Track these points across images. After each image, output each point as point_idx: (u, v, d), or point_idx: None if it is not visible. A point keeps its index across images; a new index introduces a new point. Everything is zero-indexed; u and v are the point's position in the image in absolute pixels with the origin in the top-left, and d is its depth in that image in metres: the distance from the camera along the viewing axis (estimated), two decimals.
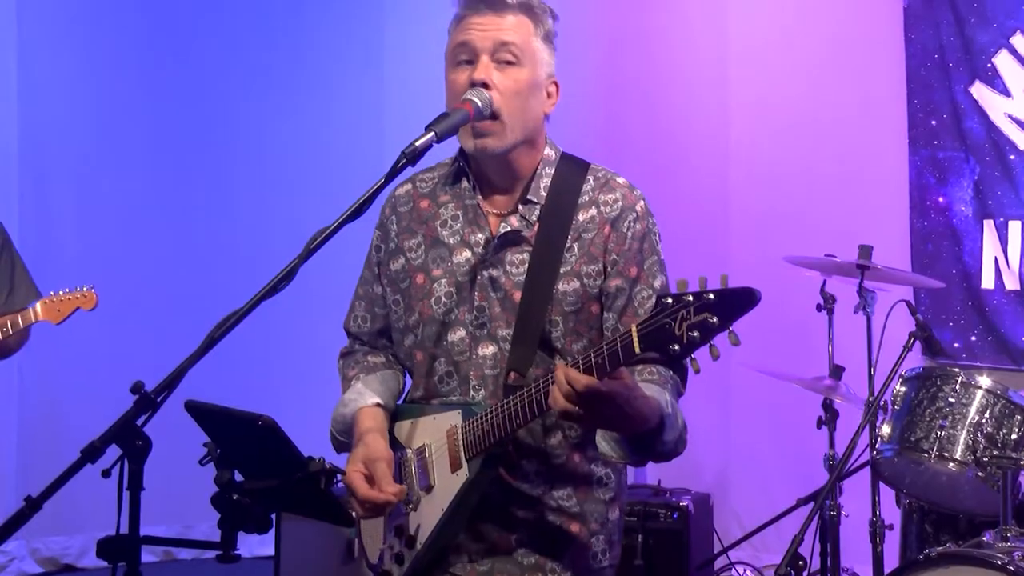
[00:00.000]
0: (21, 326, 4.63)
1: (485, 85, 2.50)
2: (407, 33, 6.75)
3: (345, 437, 2.71)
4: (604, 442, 2.47)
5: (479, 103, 2.47)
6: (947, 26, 5.37)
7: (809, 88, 5.77)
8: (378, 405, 2.67)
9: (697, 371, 2.19)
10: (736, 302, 2.07)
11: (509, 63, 2.52)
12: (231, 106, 6.70)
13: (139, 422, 2.09)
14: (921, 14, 5.44)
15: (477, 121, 2.50)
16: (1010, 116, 5.23)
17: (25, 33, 6.33)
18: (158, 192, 6.58)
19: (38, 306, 4.65)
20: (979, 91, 5.29)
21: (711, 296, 2.08)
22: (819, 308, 4.88)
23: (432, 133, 2.37)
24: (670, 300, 2.12)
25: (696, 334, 2.09)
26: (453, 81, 2.57)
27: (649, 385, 2.42)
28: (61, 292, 4.70)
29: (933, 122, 5.42)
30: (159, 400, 2.09)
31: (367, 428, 2.61)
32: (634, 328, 2.16)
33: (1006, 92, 5.24)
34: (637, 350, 2.16)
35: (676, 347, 2.11)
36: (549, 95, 2.61)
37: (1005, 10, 5.24)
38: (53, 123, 6.40)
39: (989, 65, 5.27)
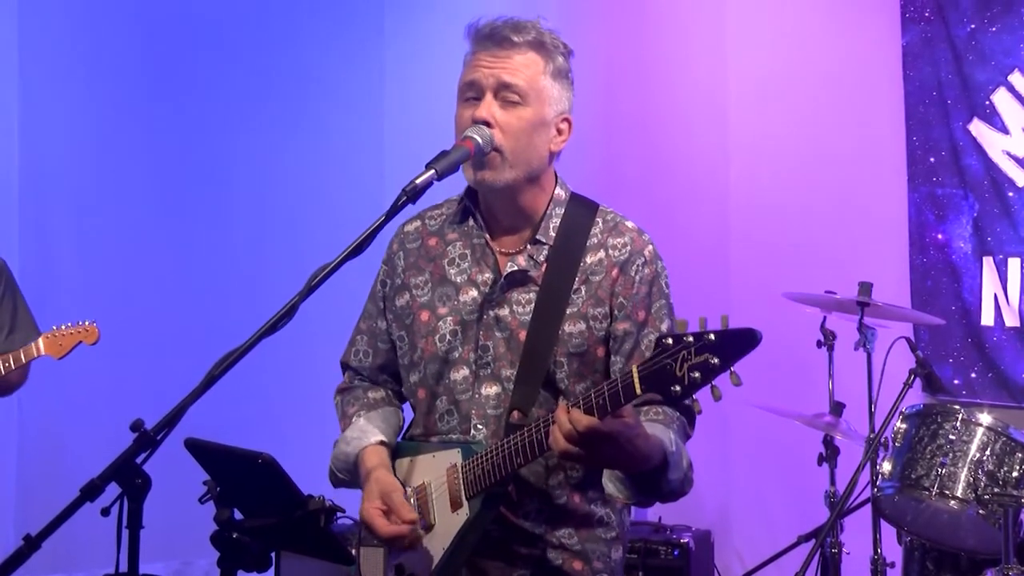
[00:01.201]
0: (24, 361, 4.63)
1: (487, 123, 2.51)
2: (408, 71, 6.78)
3: (345, 475, 2.70)
4: (610, 483, 2.47)
5: (479, 140, 2.48)
6: (945, 64, 5.39)
7: (808, 125, 5.79)
8: (382, 443, 2.67)
9: (699, 412, 2.19)
10: (737, 343, 2.07)
11: (513, 103, 2.53)
12: (232, 142, 6.71)
13: (139, 460, 2.09)
14: (920, 52, 5.46)
15: (477, 158, 2.51)
16: (1008, 153, 5.24)
17: (26, 67, 6.34)
18: (158, 228, 6.59)
19: (40, 341, 4.66)
20: (977, 128, 5.31)
21: (712, 337, 2.08)
22: (819, 345, 4.88)
23: (432, 171, 2.38)
24: (670, 341, 2.12)
25: (697, 375, 2.09)
26: (459, 116, 2.58)
27: (653, 424, 2.41)
28: (63, 326, 4.70)
29: (932, 159, 5.43)
30: (159, 438, 2.09)
31: (374, 465, 2.61)
32: (635, 369, 2.16)
33: (1004, 129, 5.26)
34: (638, 391, 2.16)
35: (677, 388, 2.11)
36: (560, 132, 2.61)
37: (1003, 48, 5.26)
38: (53, 158, 6.41)
39: (987, 103, 5.29)
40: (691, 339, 2.10)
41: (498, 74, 2.52)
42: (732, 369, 2.09)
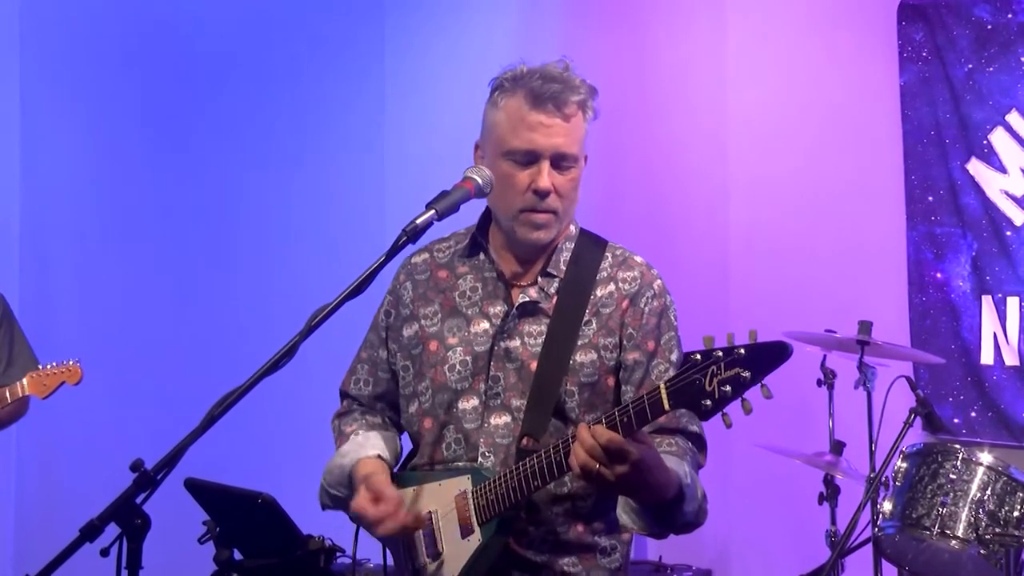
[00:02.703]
0: (8, 400, 4.60)
1: (547, 193, 2.54)
2: (408, 110, 6.80)
3: (338, 490, 2.69)
4: (624, 513, 2.48)
5: (480, 181, 2.51)
6: (943, 103, 5.41)
7: (807, 164, 5.80)
8: (380, 457, 2.67)
9: (729, 425, 2.18)
10: (767, 356, 2.09)
11: (567, 167, 2.58)
12: (232, 179, 6.71)
13: (138, 500, 2.08)
14: (918, 91, 5.48)
15: (532, 211, 2.55)
16: (1006, 192, 5.26)
17: (28, 108, 6.37)
18: (159, 269, 6.59)
19: (25, 380, 4.63)
20: (975, 167, 5.33)
21: (742, 351, 2.10)
22: (819, 383, 4.88)
23: (433, 211, 2.39)
24: (699, 356, 2.13)
25: (728, 389, 2.10)
26: (510, 175, 2.58)
27: (668, 456, 2.42)
28: (49, 366, 4.67)
29: (930, 198, 5.45)
30: (159, 478, 2.09)
31: (369, 472, 2.61)
32: (663, 385, 2.18)
33: (1002, 169, 5.28)
34: (666, 407, 2.17)
35: (708, 402, 2.12)
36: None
37: (1000, 88, 5.29)
38: (55, 199, 6.43)
39: (985, 142, 5.31)
40: (720, 354, 2.11)
41: (557, 144, 2.55)
42: (763, 382, 2.10)
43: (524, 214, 2.57)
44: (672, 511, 2.40)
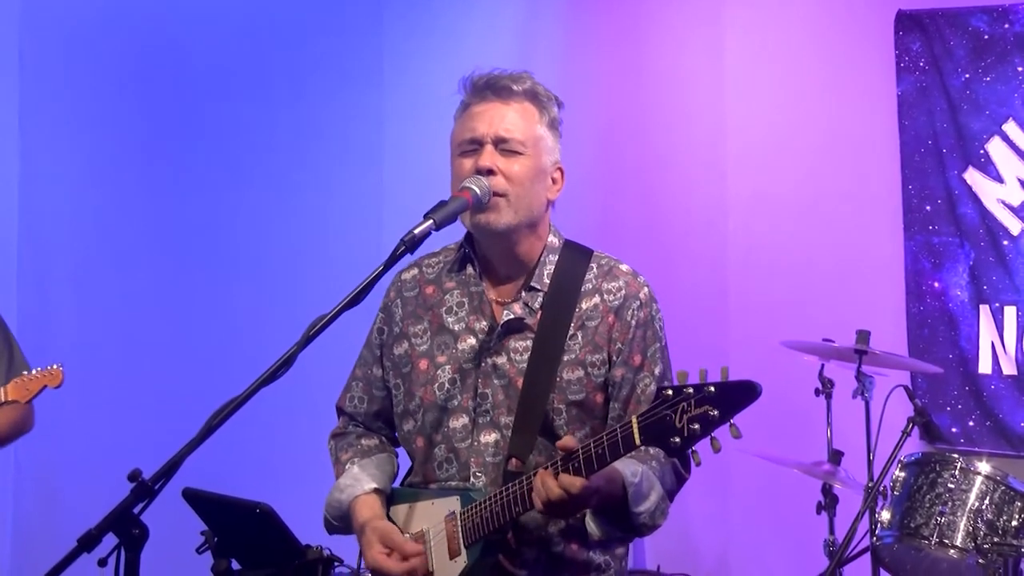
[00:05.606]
0: None
1: (490, 171, 2.53)
2: (407, 123, 6.80)
3: (339, 523, 2.71)
4: (589, 520, 2.48)
5: (477, 191, 2.50)
6: (940, 113, 5.42)
7: (805, 174, 5.81)
8: (375, 491, 2.67)
9: (698, 463, 2.19)
10: (736, 396, 2.08)
11: (513, 152, 2.56)
12: (231, 193, 6.71)
13: (136, 510, 2.08)
14: (915, 101, 5.49)
15: (476, 204, 2.53)
16: (1003, 202, 5.27)
17: (26, 127, 6.37)
18: (157, 280, 6.58)
19: (8, 386, 4.64)
20: (972, 177, 5.34)
21: (711, 389, 2.09)
22: (817, 393, 4.88)
23: (431, 221, 2.40)
24: (670, 392, 2.13)
25: (697, 427, 2.10)
26: (459, 166, 2.60)
27: (625, 460, 2.43)
28: (35, 371, 4.68)
29: (928, 207, 5.45)
30: (156, 488, 2.09)
31: (367, 518, 2.61)
32: (635, 420, 2.18)
33: (999, 178, 5.28)
34: (637, 442, 2.18)
35: (676, 439, 2.12)
36: (554, 181, 2.65)
37: (997, 98, 5.30)
38: (53, 212, 6.42)
39: (982, 151, 5.32)
40: (691, 390, 2.11)
41: (497, 127, 2.55)
42: (732, 421, 2.10)
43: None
44: (625, 513, 2.42)
